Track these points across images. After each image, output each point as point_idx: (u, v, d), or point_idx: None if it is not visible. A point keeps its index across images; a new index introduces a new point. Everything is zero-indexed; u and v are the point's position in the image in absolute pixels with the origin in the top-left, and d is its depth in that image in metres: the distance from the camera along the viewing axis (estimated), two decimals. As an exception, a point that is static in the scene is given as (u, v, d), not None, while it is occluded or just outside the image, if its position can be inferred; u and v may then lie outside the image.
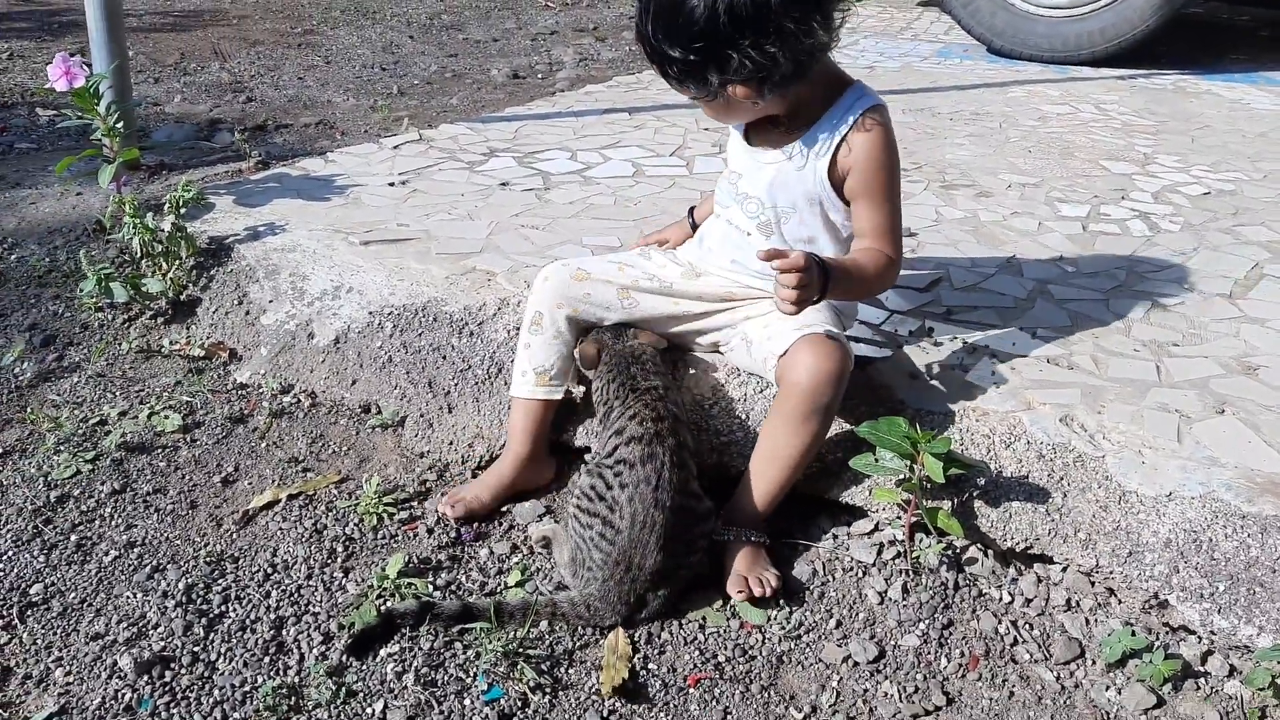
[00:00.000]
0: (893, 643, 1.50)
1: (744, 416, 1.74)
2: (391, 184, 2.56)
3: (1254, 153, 3.21)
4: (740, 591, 1.54)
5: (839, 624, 1.53)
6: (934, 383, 1.73)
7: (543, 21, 5.58)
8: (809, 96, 1.57)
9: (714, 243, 1.76)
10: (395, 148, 2.87)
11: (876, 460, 1.55)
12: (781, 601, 1.55)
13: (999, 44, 4.57)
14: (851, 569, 1.62)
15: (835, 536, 1.68)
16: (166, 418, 1.92)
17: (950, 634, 1.51)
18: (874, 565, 1.62)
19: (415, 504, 1.75)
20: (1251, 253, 2.34)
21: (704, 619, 1.54)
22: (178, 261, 2.19)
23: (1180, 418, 1.63)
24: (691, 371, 1.79)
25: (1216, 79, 4.36)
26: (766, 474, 1.58)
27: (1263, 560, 1.43)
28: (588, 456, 1.77)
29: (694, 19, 1.41)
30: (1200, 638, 1.45)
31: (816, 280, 1.45)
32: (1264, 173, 2.99)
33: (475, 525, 1.71)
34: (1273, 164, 3.08)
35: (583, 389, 1.81)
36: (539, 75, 4.38)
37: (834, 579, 1.61)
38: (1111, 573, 1.50)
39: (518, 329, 1.93)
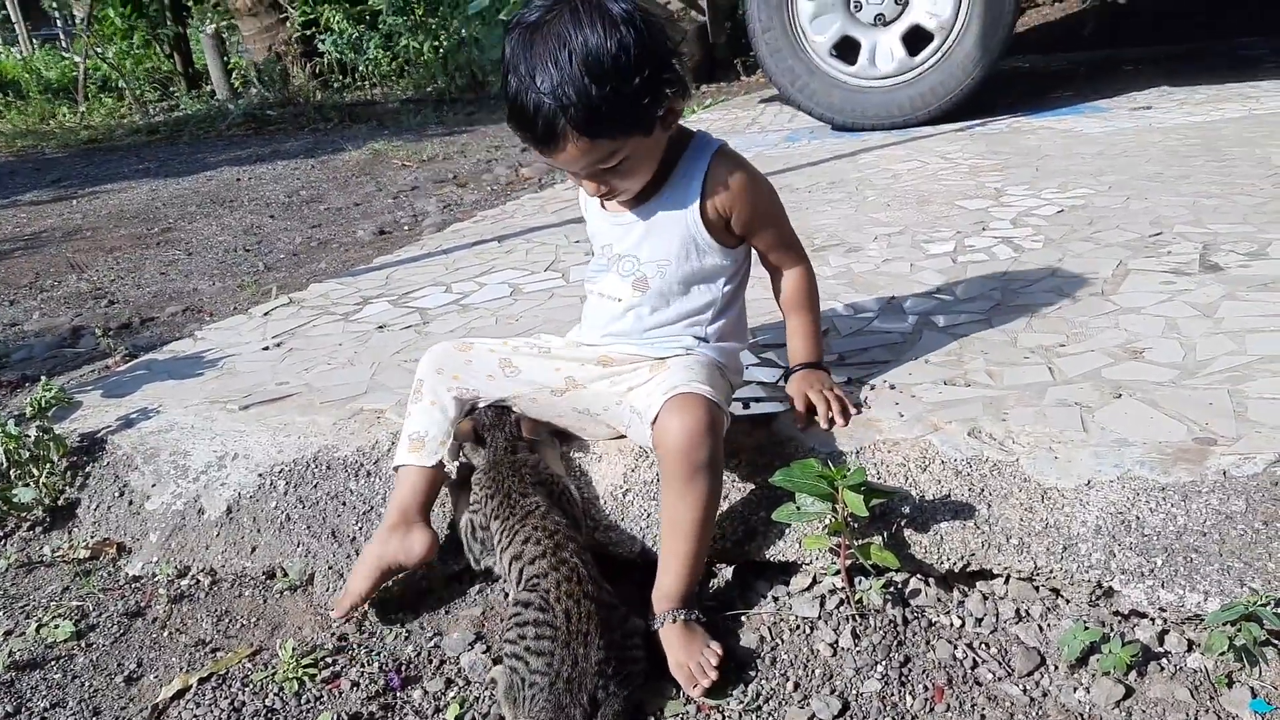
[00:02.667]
0: (854, 692, 1.44)
1: (659, 497, 1.69)
2: (266, 348, 2.50)
3: (1094, 170, 3.36)
4: (691, 684, 1.46)
5: (797, 685, 1.47)
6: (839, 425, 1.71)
7: (402, 180, 5.63)
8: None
9: (589, 322, 1.76)
10: (266, 314, 2.82)
11: (798, 508, 1.52)
12: (734, 675, 1.48)
13: (841, 120, 4.77)
14: (798, 627, 1.56)
15: (776, 599, 1.63)
16: (57, 627, 1.78)
17: (909, 670, 1.46)
18: (820, 618, 1.57)
19: (336, 660, 1.65)
20: (1113, 253, 2.42)
21: (661, 711, 1.46)
22: (49, 466, 2.08)
23: (1081, 408, 1.64)
24: (599, 459, 1.75)
25: (1047, 115, 4.61)
26: (675, 547, 1.53)
27: (1191, 527, 1.42)
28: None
29: (628, 43, 1.40)
30: (1152, 618, 1.43)
31: (826, 379, 1.75)
32: (1108, 184, 3.13)
33: (403, 670, 1.61)
34: (1114, 176, 3.23)
35: (456, 465, 1.77)
36: (405, 228, 4.39)
37: (783, 641, 1.55)
38: (1052, 572, 1.47)
39: (415, 459, 1.88)
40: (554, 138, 1.43)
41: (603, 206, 1.70)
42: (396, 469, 1.74)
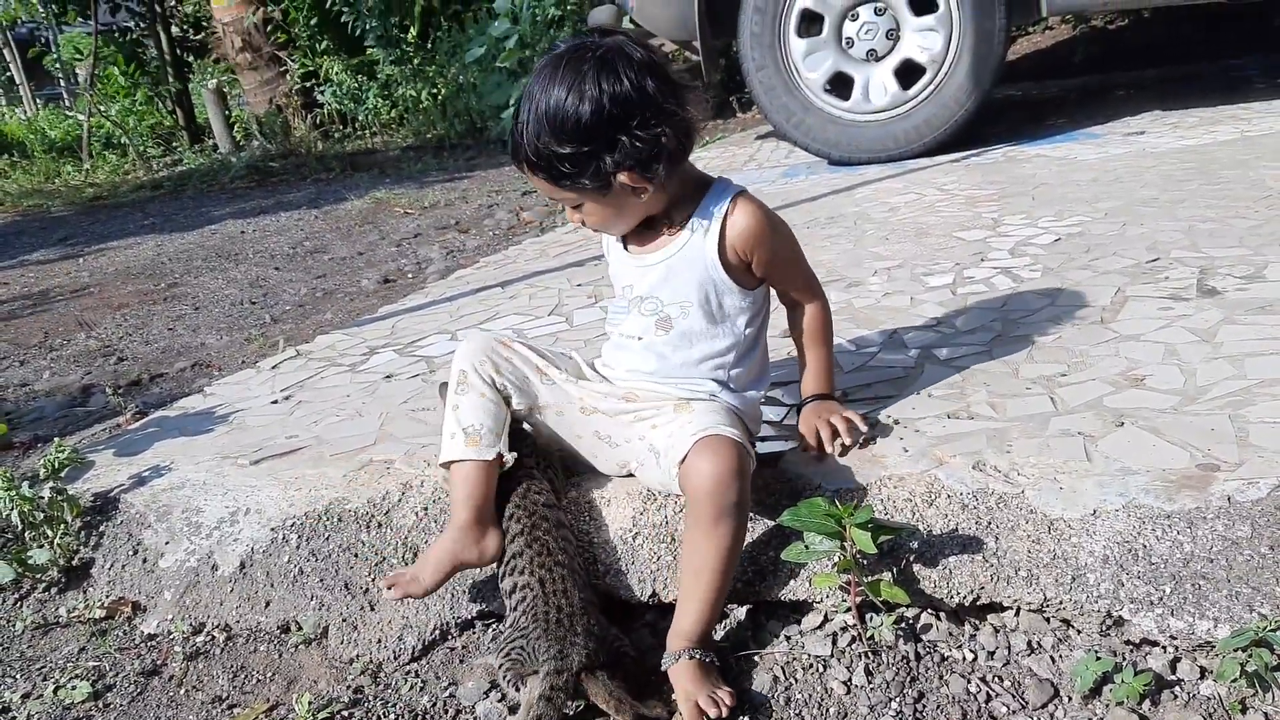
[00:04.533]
0: (869, 729, 1.44)
1: (670, 540, 1.71)
2: (275, 401, 2.52)
3: (1090, 197, 3.39)
4: (697, 715, 1.46)
5: (811, 725, 1.47)
6: (844, 461, 1.72)
7: (405, 228, 5.67)
8: (681, 196, 1.66)
9: (611, 359, 1.79)
10: (274, 368, 2.84)
11: (807, 547, 1.53)
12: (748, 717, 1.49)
13: (837, 155, 4.81)
14: (811, 666, 1.57)
15: (788, 638, 1.63)
16: (74, 688, 1.79)
17: (924, 706, 1.47)
18: (832, 656, 1.57)
19: (352, 713, 1.65)
20: (1111, 280, 2.44)
21: (674, 756, 1.46)
22: (63, 526, 2.09)
23: (1084, 438, 1.66)
24: (608, 503, 1.77)
25: (1042, 144, 4.65)
26: (695, 589, 1.54)
27: (1198, 554, 1.43)
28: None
29: (581, 115, 1.49)
30: (1163, 646, 1.44)
31: (837, 407, 1.76)
32: (1104, 211, 3.15)
33: None
34: (1109, 203, 3.26)
35: (514, 455, 1.73)
36: (409, 275, 4.43)
37: (796, 680, 1.55)
38: (1061, 603, 1.48)
39: (425, 509, 1.89)
40: (519, 163, 1.60)
41: (625, 249, 1.73)
42: (448, 465, 1.71)
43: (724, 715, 1.46)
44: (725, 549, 1.52)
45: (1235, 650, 1.33)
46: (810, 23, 4.70)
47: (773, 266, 1.71)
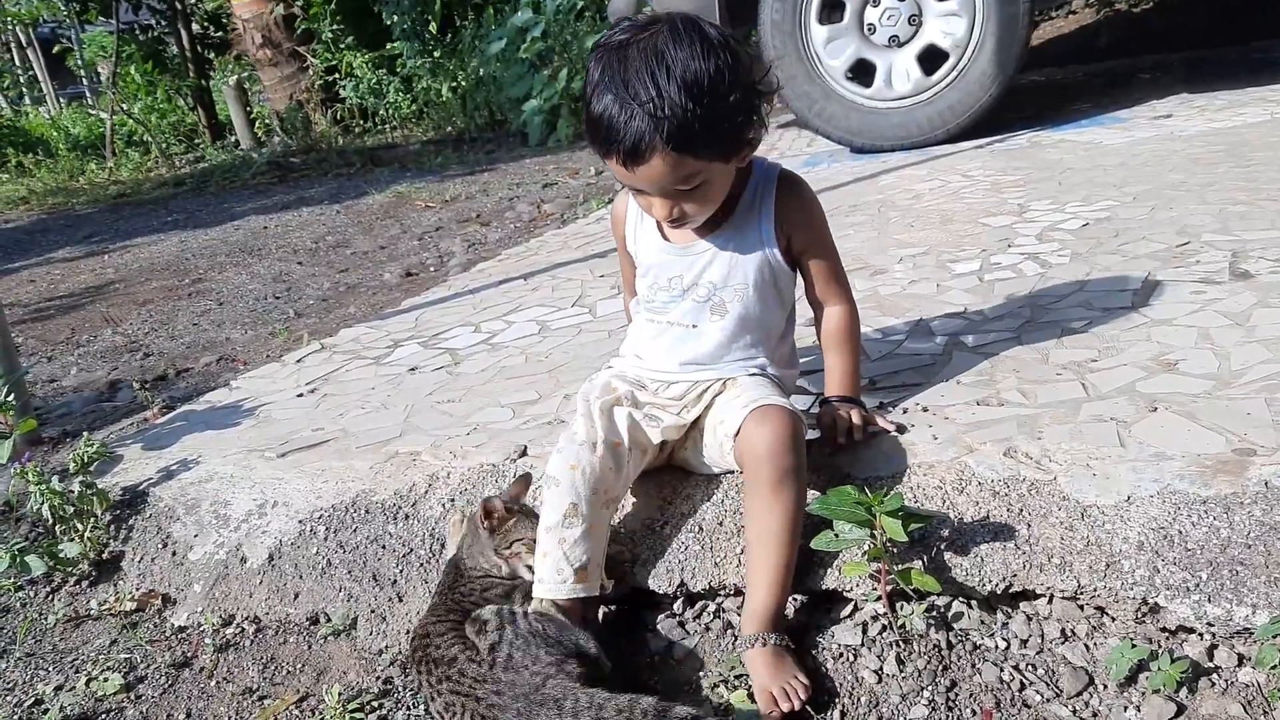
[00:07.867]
0: (901, 718, 1.43)
1: (698, 529, 1.70)
2: (300, 394, 2.53)
3: (1118, 181, 3.35)
4: (771, 706, 1.45)
5: (844, 714, 1.46)
6: (874, 449, 1.71)
7: (426, 221, 5.68)
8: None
9: (648, 349, 1.75)
10: (299, 361, 2.85)
11: (836, 535, 1.52)
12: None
13: (860, 142, 4.78)
14: (842, 655, 1.56)
15: (819, 627, 1.62)
16: (106, 680, 1.81)
17: (956, 695, 1.45)
18: (863, 645, 1.56)
19: (382, 704, 1.65)
20: (1141, 264, 2.41)
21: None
22: (93, 520, 2.11)
23: (1117, 424, 1.64)
24: (633, 499, 1.76)
25: (1067, 129, 4.60)
26: (762, 561, 1.52)
27: (1235, 539, 1.41)
28: None
29: (723, 65, 1.42)
30: (1200, 633, 1.41)
31: (855, 410, 1.72)
32: (1132, 195, 3.11)
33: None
34: (1137, 187, 3.22)
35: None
36: (431, 269, 4.44)
37: (827, 669, 1.54)
38: (1096, 590, 1.46)
39: (452, 500, 1.89)
40: (641, 152, 1.43)
41: (665, 239, 1.71)
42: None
43: (795, 709, 1.44)
44: (789, 514, 1.51)
45: (1274, 637, 1.31)
46: (831, 9, 4.66)
47: (811, 248, 1.70)
